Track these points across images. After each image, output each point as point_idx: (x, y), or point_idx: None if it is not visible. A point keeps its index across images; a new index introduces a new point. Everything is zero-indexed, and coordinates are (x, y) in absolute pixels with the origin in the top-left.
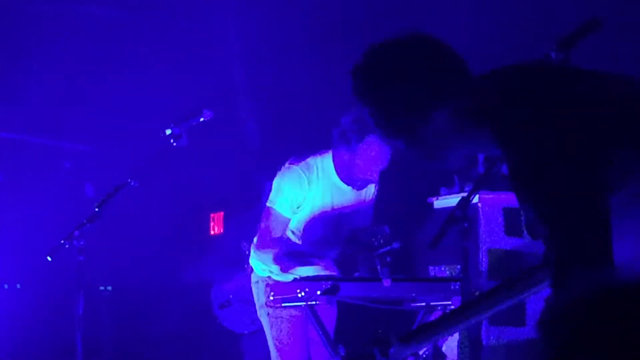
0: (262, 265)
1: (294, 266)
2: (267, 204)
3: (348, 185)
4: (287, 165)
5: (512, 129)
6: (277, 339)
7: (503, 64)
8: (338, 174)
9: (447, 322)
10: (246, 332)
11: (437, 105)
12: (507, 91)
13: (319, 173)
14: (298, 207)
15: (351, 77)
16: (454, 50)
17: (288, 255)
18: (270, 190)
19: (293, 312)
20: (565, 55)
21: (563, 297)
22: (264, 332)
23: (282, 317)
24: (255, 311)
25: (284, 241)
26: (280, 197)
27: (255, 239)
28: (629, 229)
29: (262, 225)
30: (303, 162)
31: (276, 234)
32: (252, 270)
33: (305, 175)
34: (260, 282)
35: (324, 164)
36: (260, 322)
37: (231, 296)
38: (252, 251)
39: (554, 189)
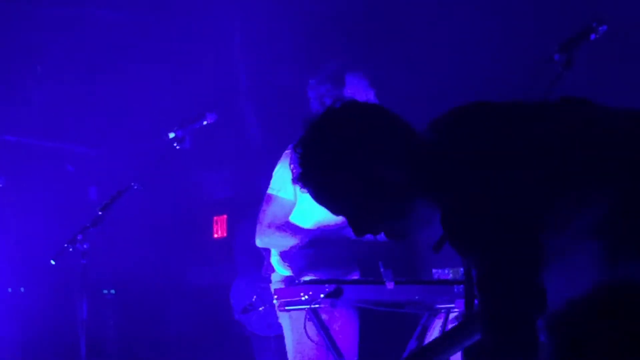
0: (281, 267)
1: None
2: (269, 192)
3: None
4: (289, 152)
5: (442, 193)
6: (298, 342)
7: (501, 64)
8: None
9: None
10: (272, 335)
11: (382, 164)
12: (441, 150)
13: None
14: (303, 192)
15: (297, 160)
16: (391, 111)
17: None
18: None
19: None
20: (568, 56)
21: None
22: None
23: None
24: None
25: (292, 227)
26: (283, 183)
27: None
28: (574, 267)
29: (262, 210)
30: None
31: (278, 219)
32: (273, 270)
33: None
34: (281, 282)
35: None
36: None
37: (254, 298)
38: (257, 240)
39: (485, 258)
